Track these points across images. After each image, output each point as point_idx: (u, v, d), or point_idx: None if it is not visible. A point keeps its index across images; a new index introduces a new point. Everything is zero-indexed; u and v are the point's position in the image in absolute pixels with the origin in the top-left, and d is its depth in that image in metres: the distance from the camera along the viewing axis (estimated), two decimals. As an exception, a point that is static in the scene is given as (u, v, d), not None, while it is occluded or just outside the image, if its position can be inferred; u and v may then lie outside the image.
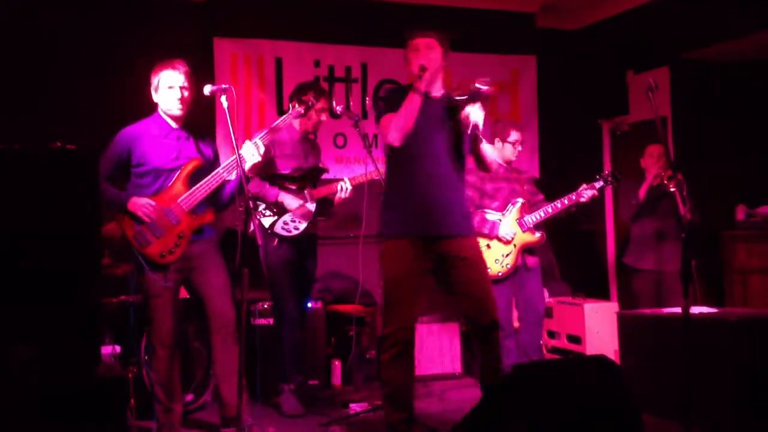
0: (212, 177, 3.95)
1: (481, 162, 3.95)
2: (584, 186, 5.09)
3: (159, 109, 4.02)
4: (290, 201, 4.68)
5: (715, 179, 6.21)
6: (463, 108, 3.70)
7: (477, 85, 3.65)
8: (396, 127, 3.66)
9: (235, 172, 3.95)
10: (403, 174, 3.78)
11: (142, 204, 3.85)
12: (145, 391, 4.21)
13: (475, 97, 3.68)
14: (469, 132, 3.73)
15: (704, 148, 6.31)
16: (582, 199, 5.07)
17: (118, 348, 4.42)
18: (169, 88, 3.95)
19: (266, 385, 4.73)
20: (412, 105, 3.65)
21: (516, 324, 5.25)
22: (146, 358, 4.36)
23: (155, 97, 4.00)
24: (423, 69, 3.65)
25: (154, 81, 3.98)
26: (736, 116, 6.43)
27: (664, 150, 5.49)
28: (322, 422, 4.38)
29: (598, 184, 5.13)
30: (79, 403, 2.76)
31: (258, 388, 4.13)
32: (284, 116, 4.22)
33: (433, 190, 3.75)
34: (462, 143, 3.86)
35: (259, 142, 3.99)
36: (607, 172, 5.23)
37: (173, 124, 4.01)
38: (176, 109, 3.97)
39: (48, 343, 2.73)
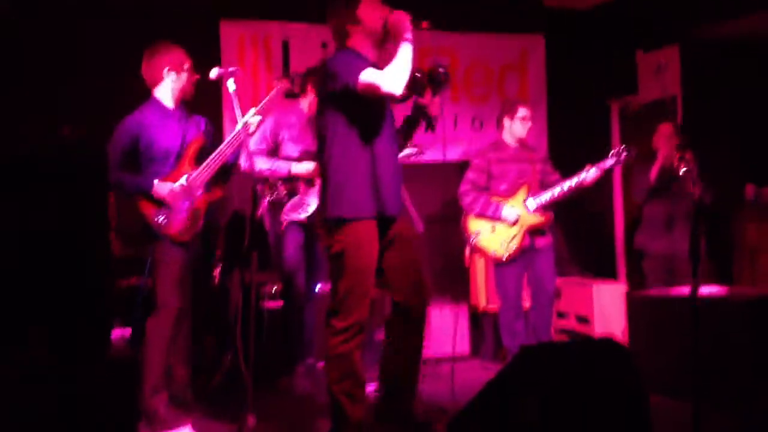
0: (217, 155, 4.03)
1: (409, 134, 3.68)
2: (587, 167, 5.00)
3: (157, 93, 4.07)
4: (304, 167, 4.64)
5: (725, 158, 6.18)
6: (423, 89, 3.51)
7: (440, 69, 3.45)
8: (397, 77, 3.31)
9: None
10: (362, 149, 3.44)
11: (167, 188, 3.94)
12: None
13: (435, 78, 3.50)
14: (426, 118, 3.53)
15: (714, 127, 6.27)
16: (585, 181, 5.01)
17: (128, 331, 4.45)
18: (187, 70, 4.07)
19: (276, 367, 4.78)
20: (409, 55, 3.36)
21: (526, 305, 5.26)
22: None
23: (169, 79, 4.04)
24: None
25: (173, 63, 4.03)
26: (747, 94, 6.37)
27: (675, 129, 5.44)
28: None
29: (610, 161, 5.00)
30: (90, 385, 2.78)
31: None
32: (270, 94, 4.22)
33: (391, 165, 3.51)
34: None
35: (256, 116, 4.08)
36: (621, 147, 5.06)
37: (171, 106, 4.09)
38: (190, 94, 4.12)
39: (58, 325, 2.75)
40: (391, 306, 3.65)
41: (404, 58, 3.36)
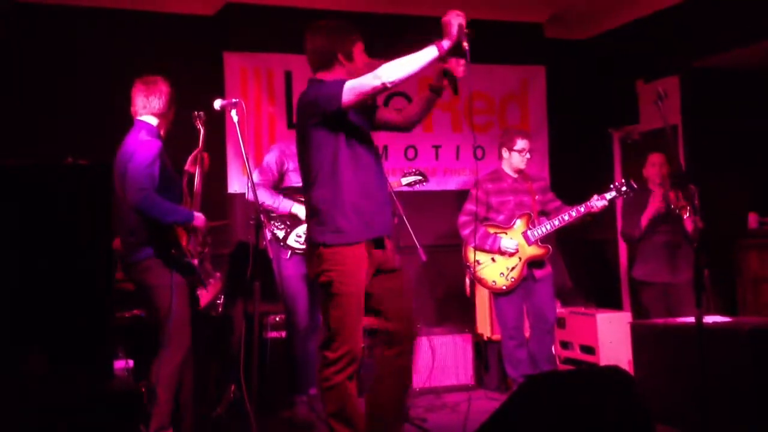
0: (197, 187, 4.08)
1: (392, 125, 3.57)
2: (595, 197, 5.03)
3: (153, 123, 3.98)
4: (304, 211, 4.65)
5: (726, 187, 6.19)
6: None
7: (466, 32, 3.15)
8: (394, 68, 3.12)
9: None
10: (346, 177, 3.32)
11: (202, 218, 3.96)
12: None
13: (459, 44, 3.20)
14: (452, 81, 3.30)
15: (715, 157, 6.29)
16: (591, 211, 5.01)
17: (131, 362, 4.43)
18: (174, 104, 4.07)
19: (279, 398, 4.75)
20: (424, 57, 3.13)
21: (527, 334, 5.23)
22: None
23: (167, 110, 4.01)
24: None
25: (170, 95, 4.01)
26: (746, 124, 6.41)
27: (666, 159, 5.44)
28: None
29: (610, 195, 5.01)
30: (92, 417, 2.77)
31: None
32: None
33: (376, 191, 3.41)
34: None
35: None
36: (621, 181, 5.09)
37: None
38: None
39: (61, 357, 2.74)
40: (378, 334, 3.51)
41: (417, 58, 3.14)
